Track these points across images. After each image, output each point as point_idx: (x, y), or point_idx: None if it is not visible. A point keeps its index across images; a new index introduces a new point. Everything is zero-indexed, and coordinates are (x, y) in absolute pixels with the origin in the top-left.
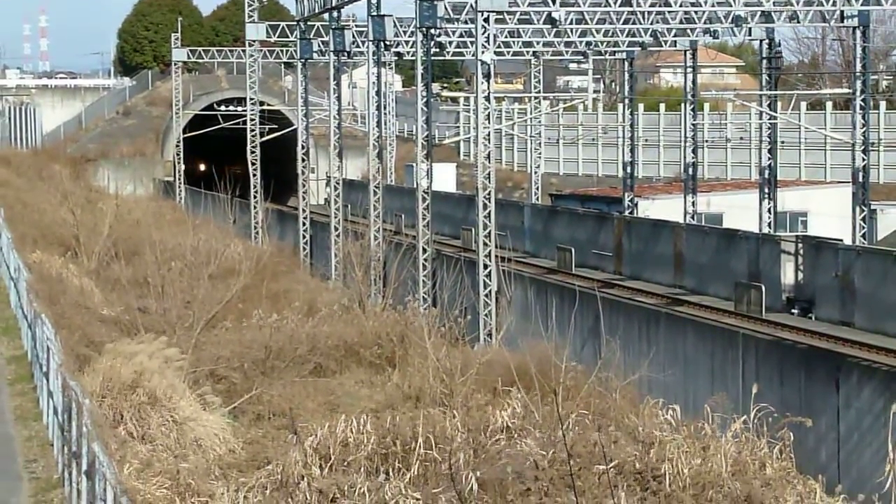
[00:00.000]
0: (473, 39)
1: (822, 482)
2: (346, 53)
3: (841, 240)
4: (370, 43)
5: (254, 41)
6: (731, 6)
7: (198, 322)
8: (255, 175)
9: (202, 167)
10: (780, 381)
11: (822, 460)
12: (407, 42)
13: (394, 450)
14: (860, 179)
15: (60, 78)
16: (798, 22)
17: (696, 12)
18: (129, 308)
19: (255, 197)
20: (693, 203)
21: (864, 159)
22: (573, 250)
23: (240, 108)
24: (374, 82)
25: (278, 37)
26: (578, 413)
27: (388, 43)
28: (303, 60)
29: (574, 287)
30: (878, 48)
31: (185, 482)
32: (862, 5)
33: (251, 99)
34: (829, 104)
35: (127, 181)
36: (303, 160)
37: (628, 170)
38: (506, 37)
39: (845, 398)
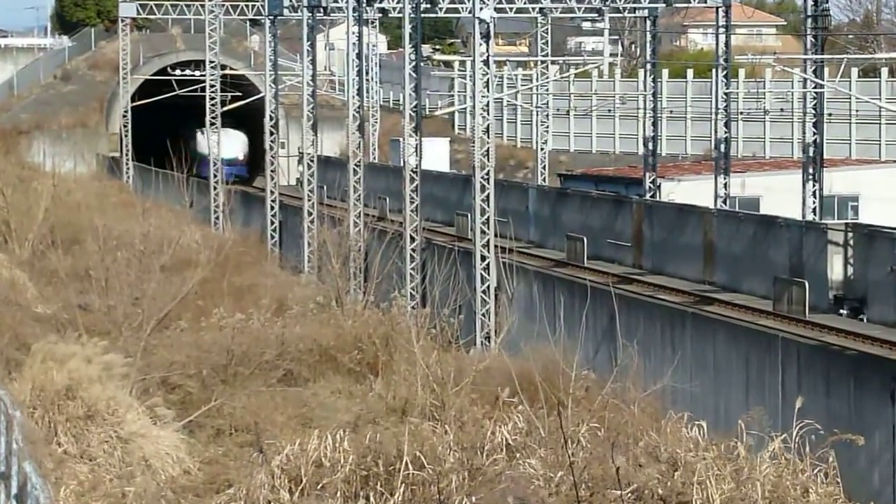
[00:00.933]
0: None
1: None
2: (321, 9)
3: None
4: None
5: None
6: None
7: (148, 321)
8: (215, 150)
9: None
10: (826, 392)
11: (874, 485)
12: None
13: (375, 471)
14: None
15: None
16: None
17: None
18: (68, 305)
19: (215, 176)
20: (725, 185)
21: None
22: (585, 240)
23: (198, 73)
24: (354, 43)
25: None
26: (590, 429)
27: None
28: (271, 17)
29: (586, 282)
30: None
31: None
32: None
33: (211, 62)
34: (884, 70)
35: (66, 157)
36: (271, 133)
37: (650, 146)
38: None
39: None
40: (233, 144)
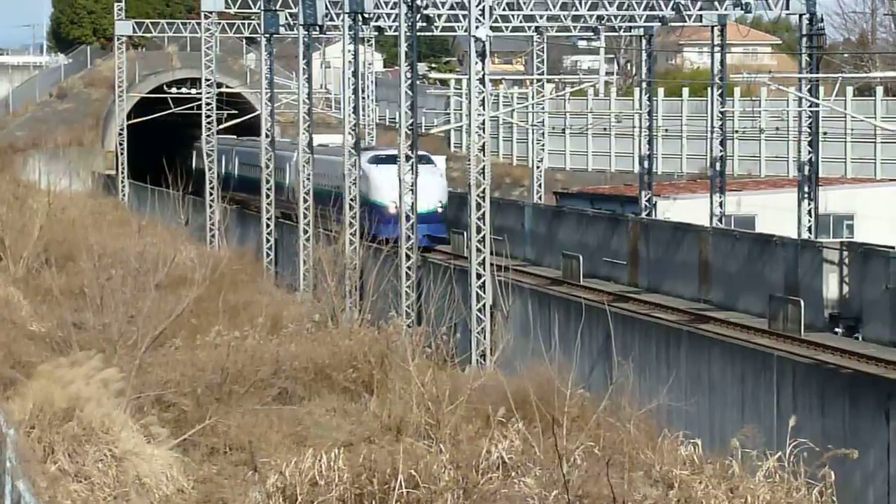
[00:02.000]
0: (466, 12)
1: None
2: (317, 27)
3: (893, 247)
4: (346, 15)
5: (210, 13)
6: None
7: (143, 340)
8: (211, 169)
9: (150, 159)
10: (822, 411)
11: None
12: (389, 15)
13: (371, 490)
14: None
15: None
16: None
17: None
18: (63, 323)
19: (211, 194)
20: (721, 203)
21: None
22: (581, 258)
23: (194, 91)
24: (350, 61)
25: (239, 8)
26: (586, 447)
27: (366, 15)
28: (267, 35)
29: (581, 301)
30: None
31: None
32: None
33: (207, 80)
34: (879, 89)
35: (61, 174)
36: (267, 151)
37: (646, 165)
38: (504, 9)
39: None
40: (429, 188)
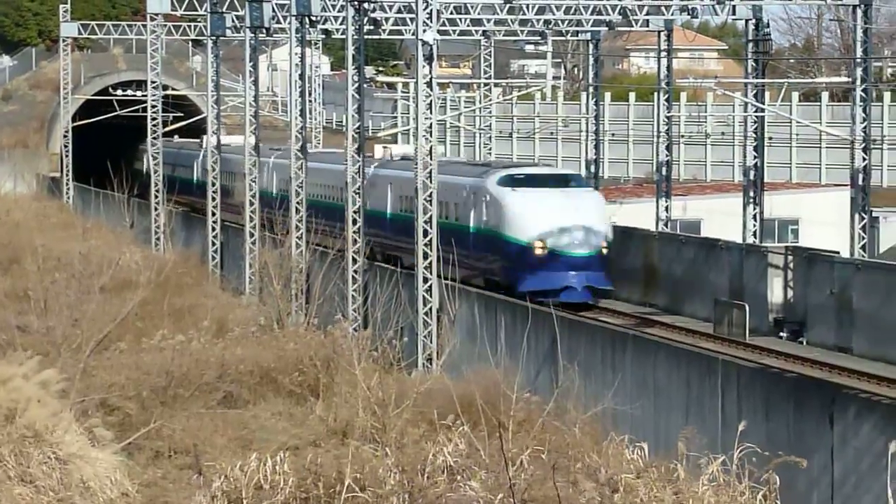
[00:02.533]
0: (413, 16)
1: None
2: (264, 30)
3: (838, 252)
4: (292, 18)
5: (156, 14)
6: None
7: (87, 343)
8: (156, 171)
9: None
10: (766, 415)
11: None
12: (336, 18)
13: (316, 493)
14: (860, 182)
15: None
16: None
17: None
18: (6, 326)
19: (156, 196)
20: (667, 208)
21: (864, 159)
22: None
23: (139, 93)
24: (297, 64)
25: (185, 10)
26: (532, 451)
27: (313, 18)
28: (213, 38)
29: (527, 305)
30: (882, 30)
31: None
32: None
33: (153, 82)
34: (824, 95)
35: (6, 177)
36: (213, 154)
37: (592, 169)
38: (451, 13)
39: (841, 436)
40: (586, 219)
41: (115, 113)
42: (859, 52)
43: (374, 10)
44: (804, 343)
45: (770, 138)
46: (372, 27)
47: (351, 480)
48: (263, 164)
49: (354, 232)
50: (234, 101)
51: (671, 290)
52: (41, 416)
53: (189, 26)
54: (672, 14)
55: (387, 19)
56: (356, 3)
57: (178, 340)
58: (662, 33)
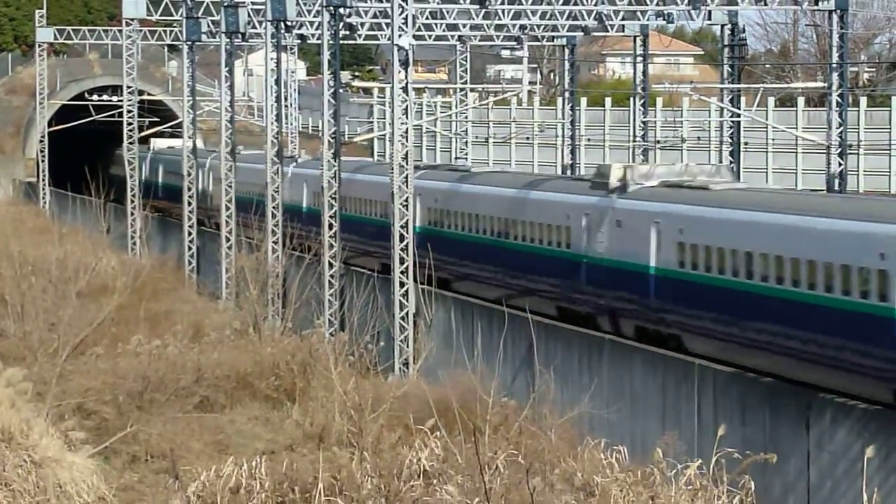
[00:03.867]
0: (389, 21)
1: None
2: (240, 35)
3: None
4: (268, 23)
5: (132, 20)
6: None
7: (63, 347)
8: (132, 176)
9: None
10: (742, 420)
11: None
12: (312, 23)
13: (292, 497)
14: (836, 187)
15: None
16: (765, 4)
17: None
18: None
19: (132, 202)
20: None
21: (840, 164)
22: None
23: (115, 98)
24: (272, 69)
25: (161, 15)
26: (508, 455)
27: (289, 24)
28: (189, 43)
29: (504, 309)
30: (859, 35)
31: None
32: None
33: (129, 87)
34: (800, 100)
35: None
36: (188, 159)
37: (568, 174)
38: (427, 18)
39: (816, 440)
40: None
41: (91, 118)
42: (835, 57)
43: (349, 16)
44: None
45: (746, 143)
46: (348, 32)
47: (326, 485)
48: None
49: (330, 236)
50: (210, 105)
51: None
52: (16, 420)
53: (165, 31)
54: (648, 19)
55: (362, 24)
56: (332, 8)
57: (155, 345)
58: (638, 38)
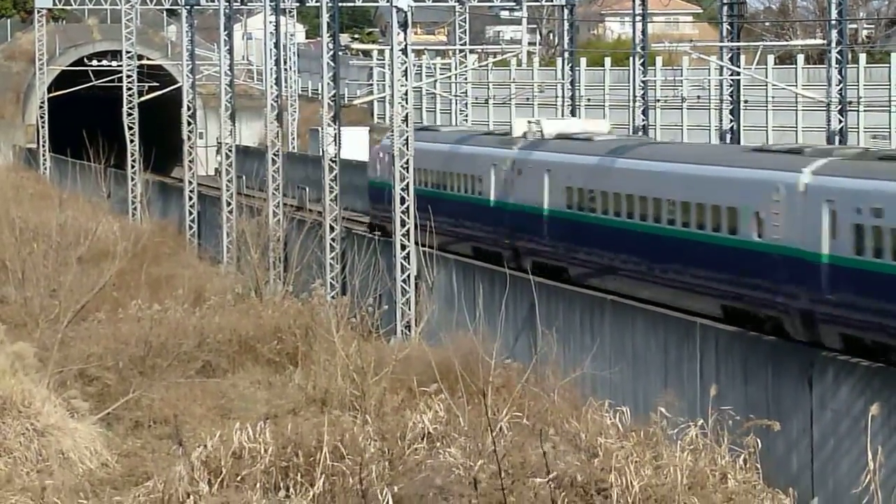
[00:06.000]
0: None
1: (794, 496)
2: None
3: None
4: None
5: None
6: None
7: (65, 313)
8: (132, 141)
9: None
10: (744, 379)
11: (793, 470)
12: None
13: (296, 462)
14: (837, 144)
15: None
16: None
17: None
18: None
19: (132, 167)
20: None
21: (840, 121)
22: None
23: (115, 63)
24: (271, 32)
25: None
26: (511, 417)
27: None
28: (188, 7)
29: (504, 271)
30: None
31: (51, 501)
32: None
33: (128, 52)
34: (800, 57)
35: None
36: (189, 123)
37: None
38: None
39: (819, 399)
40: None
41: (91, 83)
42: (834, 14)
43: None
44: None
45: (746, 102)
46: None
47: (330, 448)
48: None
49: (332, 200)
50: (210, 70)
51: None
52: (17, 388)
53: None
54: None
55: None
56: None
57: (156, 310)
58: None
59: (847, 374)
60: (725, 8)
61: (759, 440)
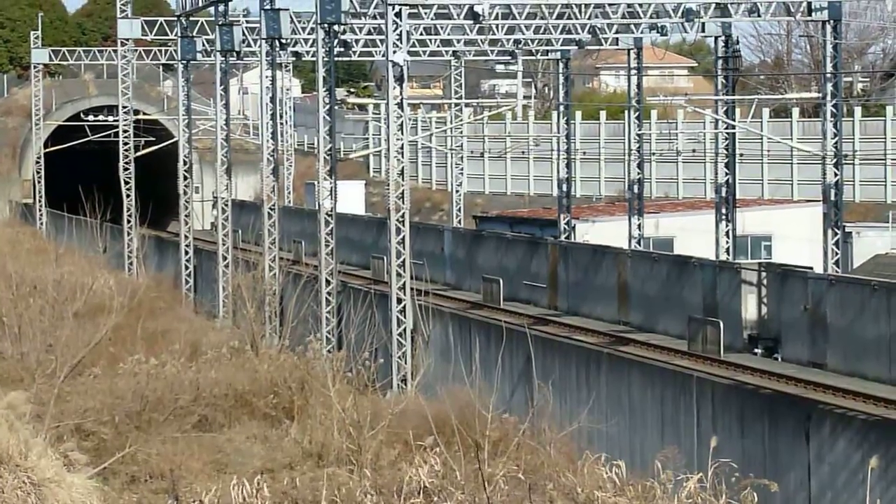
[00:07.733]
0: (383, 37)
1: None
2: (235, 53)
3: (811, 267)
4: (263, 41)
5: (127, 40)
6: None
7: (61, 368)
8: (128, 196)
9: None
10: (741, 432)
11: None
12: (306, 40)
13: None
14: (832, 198)
15: None
16: (759, 16)
17: (641, 5)
18: None
19: (128, 221)
20: (639, 226)
21: (836, 174)
22: (501, 281)
23: (111, 118)
24: (268, 87)
25: (156, 35)
26: (507, 471)
27: (284, 41)
28: (184, 62)
29: (501, 324)
30: (852, 45)
31: None
32: None
33: (124, 107)
34: (795, 111)
35: None
36: (185, 178)
37: (564, 188)
38: (421, 34)
39: (817, 451)
40: None
41: (87, 138)
42: (829, 68)
43: (344, 32)
44: (779, 359)
45: (741, 155)
46: (342, 49)
47: (327, 503)
48: None
49: (328, 254)
50: (206, 124)
51: (645, 308)
52: (13, 441)
53: (160, 51)
54: (642, 32)
55: (357, 41)
56: (326, 25)
57: (152, 364)
58: (632, 51)
59: (844, 426)
60: (720, 61)
61: (755, 494)
